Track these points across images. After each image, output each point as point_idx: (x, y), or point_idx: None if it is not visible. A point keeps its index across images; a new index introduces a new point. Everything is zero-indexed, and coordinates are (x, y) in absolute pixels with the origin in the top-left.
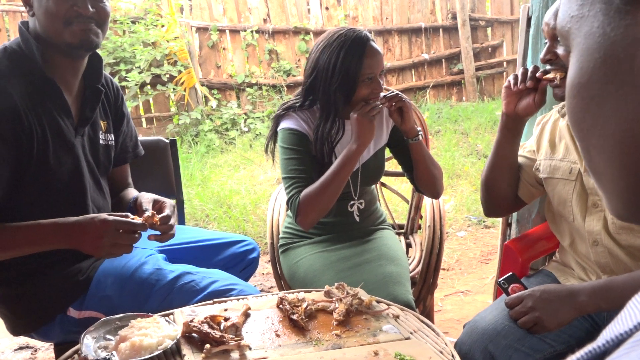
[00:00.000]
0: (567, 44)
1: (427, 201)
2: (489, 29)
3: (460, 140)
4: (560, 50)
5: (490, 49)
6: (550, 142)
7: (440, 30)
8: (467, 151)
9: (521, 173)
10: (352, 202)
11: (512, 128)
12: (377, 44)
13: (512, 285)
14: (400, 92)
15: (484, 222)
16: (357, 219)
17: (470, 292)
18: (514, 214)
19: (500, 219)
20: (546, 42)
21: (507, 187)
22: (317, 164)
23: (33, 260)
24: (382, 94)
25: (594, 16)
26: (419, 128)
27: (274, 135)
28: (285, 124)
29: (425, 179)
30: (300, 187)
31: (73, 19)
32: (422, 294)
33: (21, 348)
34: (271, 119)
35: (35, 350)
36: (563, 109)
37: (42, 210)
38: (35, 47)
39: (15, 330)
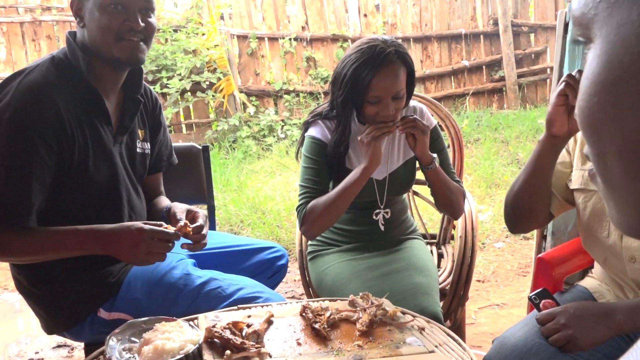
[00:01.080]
0: (588, 33)
1: None
2: (532, 35)
3: (500, 148)
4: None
5: (533, 55)
6: (582, 150)
7: (481, 36)
8: (507, 160)
9: (552, 186)
10: (377, 211)
11: (559, 149)
12: (416, 51)
13: (544, 301)
14: (417, 118)
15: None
16: (382, 228)
17: (506, 305)
18: (549, 226)
19: (535, 231)
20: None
21: (541, 205)
22: (333, 173)
23: (67, 262)
24: (397, 122)
25: (633, 2)
26: (435, 156)
27: (302, 141)
28: (310, 132)
29: (442, 202)
30: (310, 198)
31: (124, 34)
32: (453, 306)
33: (59, 346)
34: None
35: (72, 349)
36: None
37: (80, 214)
38: (81, 57)
39: (49, 329)
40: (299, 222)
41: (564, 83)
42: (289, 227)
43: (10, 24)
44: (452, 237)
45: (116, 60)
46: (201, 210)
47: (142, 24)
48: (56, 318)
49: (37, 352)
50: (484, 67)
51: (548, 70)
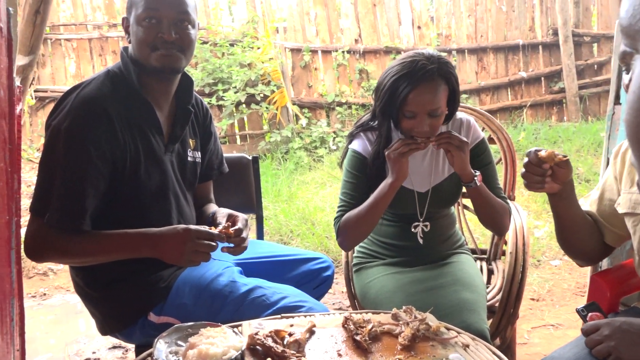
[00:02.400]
0: (635, 44)
1: (511, 225)
2: (594, 45)
3: None
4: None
5: (595, 66)
6: (629, 172)
7: (540, 47)
8: None
9: (604, 219)
10: (416, 224)
11: (566, 196)
12: (470, 62)
13: (591, 314)
14: (453, 133)
15: None
16: (421, 241)
17: (562, 326)
18: None
19: None
20: None
21: (588, 241)
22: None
23: (120, 267)
24: (433, 138)
25: None
26: (477, 173)
27: (345, 152)
28: (353, 145)
29: (484, 219)
30: (345, 211)
31: (159, 45)
32: (502, 325)
33: (114, 347)
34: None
35: (126, 351)
36: None
37: (131, 220)
38: (133, 69)
39: (103, 330)
40: (335, 234)
41: (523, 169)
42: None
43: (80, 40)
44: (504, 253)
45: (154, 69)
46: (241, 214)
47: (176, 35)
48: (110, 320)
49: (94, 352)
50: (542, 78)
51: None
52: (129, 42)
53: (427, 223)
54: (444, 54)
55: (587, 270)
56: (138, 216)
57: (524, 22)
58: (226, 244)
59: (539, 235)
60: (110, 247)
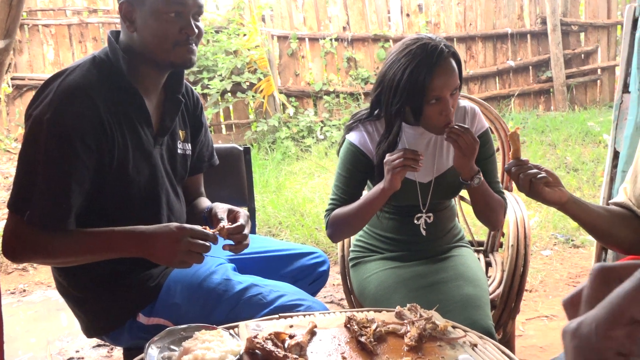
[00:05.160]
0: None
1: (510, 217)
2: (582, 34)
3: (547, 151)
4: None
5: (583, 55)
6: None
7: (528, 35)
8: (555, 164)
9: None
10: (419, 215)
11: (575, 200)
12: (459, 51)
13: None
14: (469, 130)
15: (572, 240)
16: (424, 232)
17: (556, 317)
18: None
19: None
20: None
21: (623, 233)
22: (372, 179)
23: (106, 266)
24: (455, 124)
25: None
26: (478, 176)
27: (343, 141)
28: (350, 136)
29: (480, 214)
30: (337, 205)
31: (182, 42)
32: (503, 319)
33: (99, 345)
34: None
35: (111, 349)
36: None
37: (119, 216)
38: (122, 57)
39: (88, 332)
40: (325, 226)
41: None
42: None
43: (59, 26)
44: (501, 245)
45: (172, 64)
46: (243, 210)
47: (197, 30)
48: (95, 321)
49: (77, 351)
50: (530, 67)
51: (599, 70)
52: (131, 32)
53: (430, 214)
54: None
55: (579, 260)
56: (126, 213)
57: (512, 11)
58: (228, 242)
59: (530, 225)
60: (96, 246)
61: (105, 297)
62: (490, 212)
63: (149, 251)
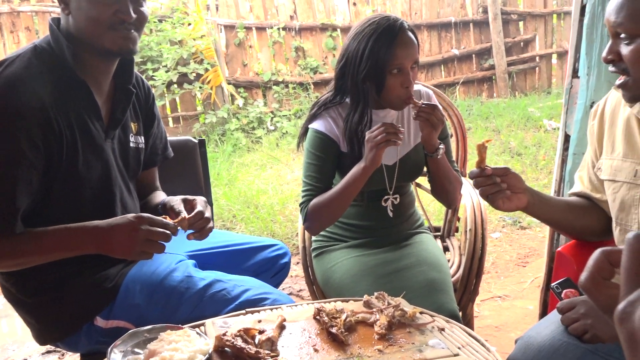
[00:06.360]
0: None
1: (466, 202)
2: (521, 23)
3: (492, 137)
4: (624, 50)
5: (522, 43)
6: (610, 137)
7: (471, 24)
8: (500, 149)
9: (596, 191)
10: (386, 197)
11: (537, 201)
12: None
13: (565, 290)
14: (438, 112)
15: (519, 222)
16: (391, 214)
17: (509, 297)
18: None
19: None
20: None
21: (586, 222)
22: (344, 164)
23: (59, 268)
24: (422, 102)
25: None
26: (441, 146)
27: (305, 132)
28: (315, 125)
29: (439, 190)
30: (313, 195)
31: (116, 25)
32: (463, 302)
33: (48, 352)
34: (298, 117)
35: (63, 354)
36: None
37: (70, 216)
38: (66, 46)
39: (41, 339)
40: (302, 218)
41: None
42: (283, 222)
43: None
44: (457, 230)
45: (107, 51)
46: (199, 197)
47: (134, 15)
48: (49, 328)
49: (25, 359)
50: (473, 55)
51: (537, 58)
52: (66, 14)
53: (397, 196)
54: None
55: (527, 240)
56: (77, 212)
57: (456, 0)
58: (190, 231)
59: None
60: (48, 246)
61: (59, 302)
62: (450, 185)
63: (106, 245)
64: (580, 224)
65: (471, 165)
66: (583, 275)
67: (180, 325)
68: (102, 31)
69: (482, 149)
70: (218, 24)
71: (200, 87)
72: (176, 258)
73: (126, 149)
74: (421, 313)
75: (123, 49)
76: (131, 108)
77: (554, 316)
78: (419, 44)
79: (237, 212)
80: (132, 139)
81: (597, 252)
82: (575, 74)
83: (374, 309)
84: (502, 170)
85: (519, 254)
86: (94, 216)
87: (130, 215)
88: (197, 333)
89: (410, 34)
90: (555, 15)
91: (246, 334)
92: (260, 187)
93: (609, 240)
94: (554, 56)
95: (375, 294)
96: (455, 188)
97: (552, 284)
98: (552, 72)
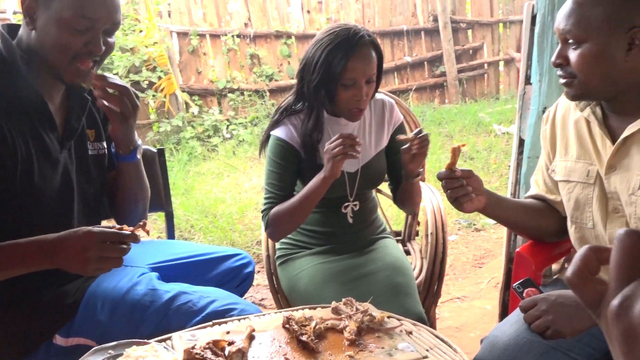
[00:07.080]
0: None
1: (427, 206)
2: (469, 31)
3: (445, 142)
4: (571, 55)
5: (471, 51)
6: (562, 140)
7: (422, 32)
8: None
9: (551, 193)
10: (346, 204)
11: (495, 202)
12: None
13: (527, 290)
14: (426, 136)
15: (474, 225)
16: (351, 220)
17: (467, 297)
18: None
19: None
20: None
21: (543, 224)
22: (306, 169)
23: (13, 286)
24: (413, 135)
25: None
26: (421, 169)
27: (267, 139)
28: (276, 132)
29: (403, 201)
30: (275, 202)
31: (82, 56)
32: (427, 305)
33: None
34: (254, 125)
35: None
36: (580, 103)
37: (29, 228)
38: (20, 55)
39: None
40: (264, 226)
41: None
42: (242, 230)
43: None
44: (417, 233)
45: (60, 80)
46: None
47: (103, 48)
48: (4, 347)
49: None
50: (425, 63)
51: (485, 65)
52: (31, 30)
53: (357, 202)
54: None
55: (482, 242)
56: (35, 229)
57: (407, 9)
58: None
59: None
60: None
61: (14, 321)
62: (418, 197)
63: (60, 261)
64: (536, 224)
65: (430, 170)
66: (570, 270)
67: (146, 340)
68: (66, 61)
69: (457, 152)
70: (171, 30)
71: (153, 95)
72: (138, 271)
73: (85, 158)
74: (389, 317)
75: (75, 83)
76: (86, 115)
77: (517, 315)
78: (382, 61)
79: (195, 222)
80: (90, 146)
81: (584, 248)
82: (527, 80)
83: (343, 315)
84: (467, 173)
85: (475, 255)
86: (52, 229)
87: (81, 232)
88: (165, 347)
89: (369, 49)
90: (501, 24)
91: (215, 346)
92: (218, 196)
93: (564, 240)
94: (501, 63)
95: (343, 300)
96: (419, 197)
97: (514, 284)
98: (499, 79)
